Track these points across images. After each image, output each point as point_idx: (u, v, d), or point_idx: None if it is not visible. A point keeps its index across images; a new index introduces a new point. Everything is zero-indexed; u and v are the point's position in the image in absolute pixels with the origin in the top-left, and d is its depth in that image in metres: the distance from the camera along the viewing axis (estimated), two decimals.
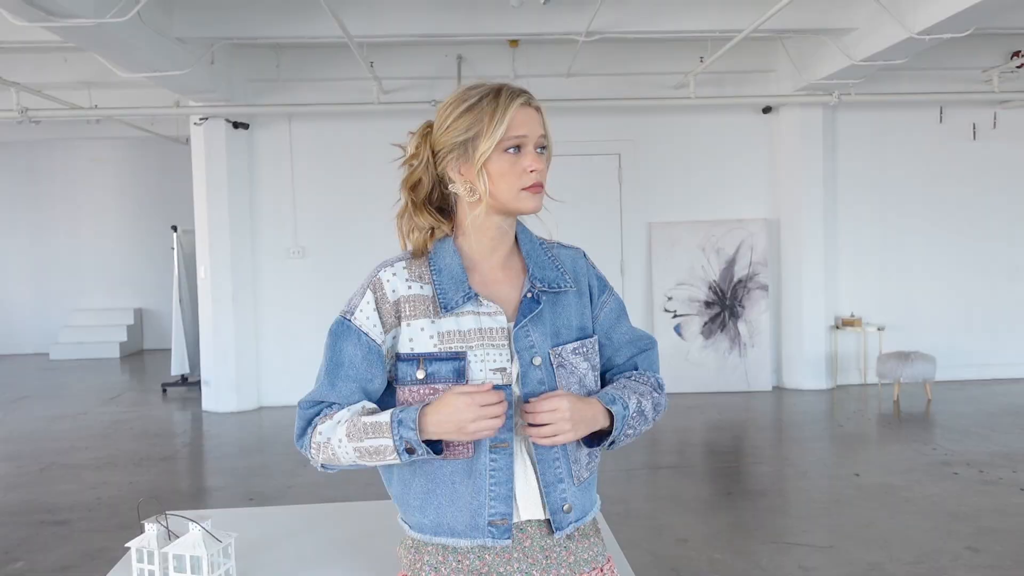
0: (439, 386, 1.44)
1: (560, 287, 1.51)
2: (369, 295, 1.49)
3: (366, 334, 1.47)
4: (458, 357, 1.44)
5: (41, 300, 11.94)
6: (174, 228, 8.76)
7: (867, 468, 5.30)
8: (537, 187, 1.46)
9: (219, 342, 7.48)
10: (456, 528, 1.45)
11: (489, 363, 1.45)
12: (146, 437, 6.62)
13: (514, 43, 7.26)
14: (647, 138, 7.76)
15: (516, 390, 1.47)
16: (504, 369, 1.45)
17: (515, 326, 1.47)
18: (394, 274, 1.48)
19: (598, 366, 1.56)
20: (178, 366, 8.49)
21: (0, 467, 5.98)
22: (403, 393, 1.47)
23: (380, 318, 1.47)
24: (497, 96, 1.45)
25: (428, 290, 1.48)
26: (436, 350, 1.45)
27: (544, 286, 1.51)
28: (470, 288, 1.47)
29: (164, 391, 8.58)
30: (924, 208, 7.94)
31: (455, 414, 1.35)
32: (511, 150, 1.45)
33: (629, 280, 7.83)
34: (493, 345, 1.45)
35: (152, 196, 11.74)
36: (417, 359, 1.45)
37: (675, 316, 7.78)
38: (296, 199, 7.59)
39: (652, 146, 7.77)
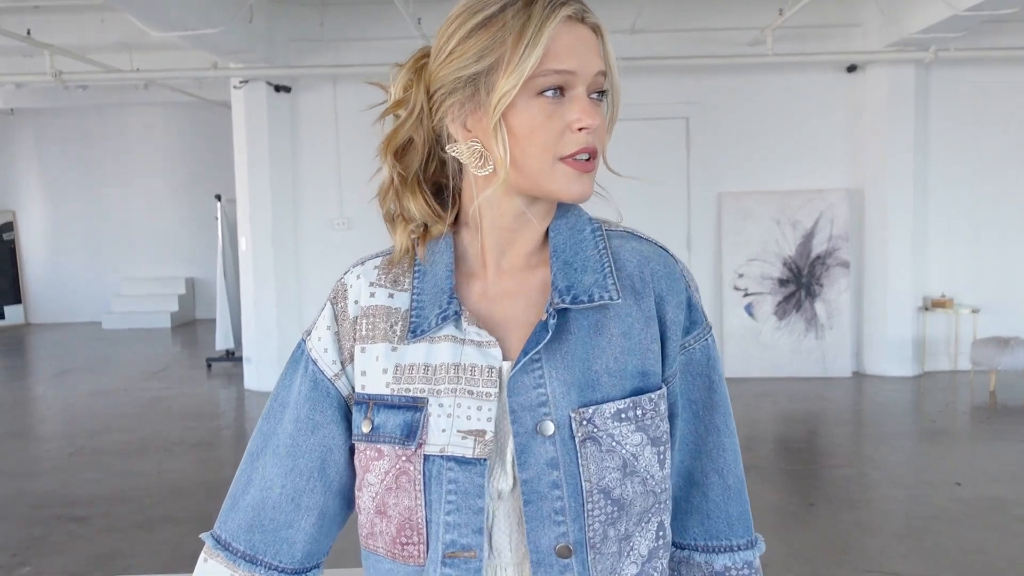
0: (384, 447, 0.95)
1: (593, 299, 0.95)
2: (328, 309, 1.03)
3: (315, 363, 1.01)
4: (414, 406, 0.95)
5: (95, 269, 11.82)
6: (218, 197, 8.44)
7: (968, 475, 4.68)
8: (586, 158, 0.93)
9: (261, 317, 7.14)
10: None
11: (459, 420, 0.93)
12: (183, 418, 6.32)
13: None
14: (718, 101, 7.11)
15: (502, 473, 0.94)
16: (482, 433, 0.93)
17: (515, 366, 0.94)
18: (358, 277, 1.01)
19: (665, 440, 0.98)
20: (222, 340, 8.20)
21: (32, 450, 5.76)
22: (356, 453, 1.00)
23: (338, 342, 1.00)
24: (530, 3, 0.91)
25: (402, 301, 0.99)
26: (388, 392, 0.96)
27: (565, 300, 0.95)
28: (452, 299, 0.96)
29: (209, 366, 8.32)
30: None
31: None
32: (549, 92, 0.91)
33: (696, 255, 7.24)
34: (471, 392, 0.94)
35: (202, 163, 11.47)
36: (366, 403, 0.98)
37: (746, 295, 7.18)
38: (341, 167, 7.16)
39: (723, 109, 7.12)
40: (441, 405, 0.94)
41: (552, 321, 0.94)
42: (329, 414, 1.00)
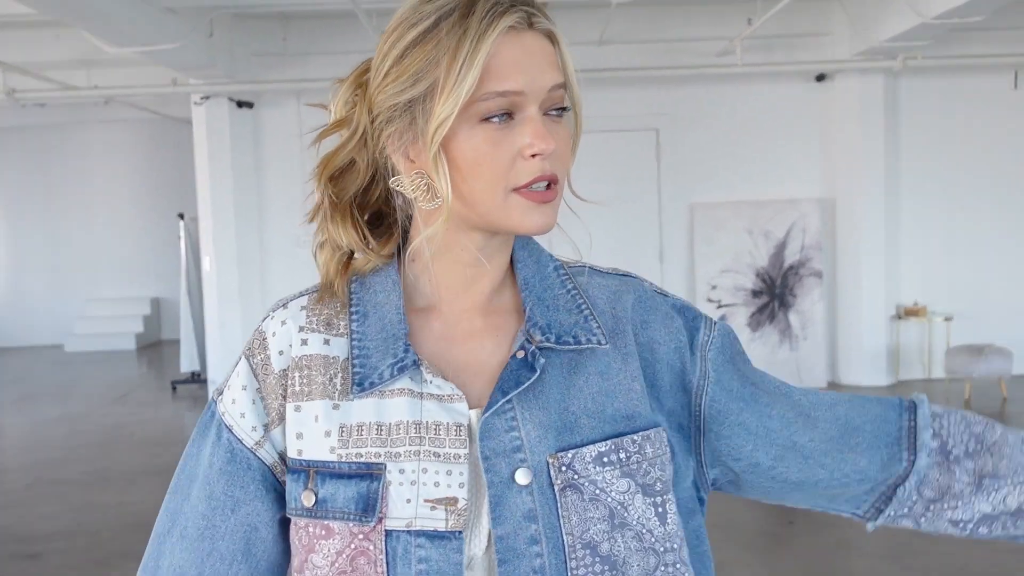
0: (334, 524, 0.82)
1: (579, 341, 0.86)
2: (243, 365, 0.88)
3: (230, 430, 0.86)
4: (370, 474, 0.82)
5: (56, 290, 11.53)
6: (180, 216, 8.25)
7: None
8: (545, 187, 0.81)
9: (226, 339, 6.97)
10: None
11: (425, 488, 0.81)
12: (146, 446, 6.12)
13: None
14: (688, 112, 7.06)
15: (475, 535, 0.83)
16: (453, 501, 0.81)
17: (486, 410, 0.83)
18: (283, 323, 0.87)
19: (661, 489, 0.86)
20: (187, 362, 8.01)
21: None
22: (292, 530, 0.86)
23: (260, 402, 0.86)
24: (468, 13, 0.78)
25: (339, 348, 0.85)
26: (334, 458, 0.83)
27: (550, 339, 0.85)
28: (408, 349, 0.83)
29: (174, 389, 8.10)
30: (997, 185, 7.15)
31: None
32: (496, 118, 0.80)
33: (669, 267, 7.17)
34: (437, 455, 0.82)
35: (165, 181, 11.24)
36: (305, 471, 0.84)
37: (720, 306, 7.11)
38: (307, 184, 6.99)
39: (693, 120, 7.07)
40: (402, 471, 0.81)
41: (540, 361, 0.84)
42: (252, 489, 0.86)
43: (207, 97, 6.77)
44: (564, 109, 0.84)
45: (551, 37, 0.83)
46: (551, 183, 0.82)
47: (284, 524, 0.88)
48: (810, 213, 7.05)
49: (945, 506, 0.96)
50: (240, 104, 6.84)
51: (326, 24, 6.76)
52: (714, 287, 7.10)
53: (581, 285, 0.92)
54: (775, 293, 7.08)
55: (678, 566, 0.86)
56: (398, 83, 0.81)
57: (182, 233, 8.13)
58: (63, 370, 9.72)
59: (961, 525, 0.98)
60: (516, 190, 0.81)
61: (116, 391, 8.30)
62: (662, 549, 0.86)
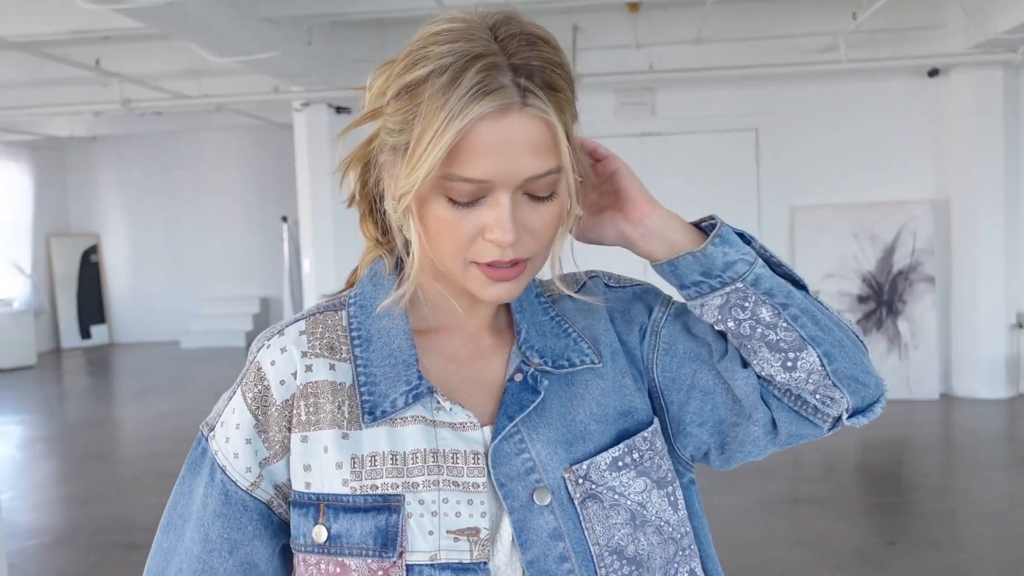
0: (350, 561, 0.79)
1: (574, 364, 0.85)
2: (238, 400, 0.84)
3: (223, 470, 0.83)
4: (387, 506, 0.79)
5: (173, 289, 12.10)
6: (284, 218, 8.52)
7: None
8: (506, 267, 0.78)
9: None
10: None
11: (447, 519, 0.79)
12: None
13: (634, 7, 6.48)
14: (789, 111, 6.81)
15: (502, 565, 0.80)
16: (476, 531, 0.79)
17: (494, 437, 0.81)
18: (283, 350, 0.84)
19: (671, 478, 0.88)
20: None
21: (102, 473, 5.85)
22: (301, 566, 0.83)
23: (259, 439, 0.83)
24: (455, 81, 0.74)
25: (344, 374, 0.82)
26: (347, 491, 0.80)
27: (547, 363, 0.84)
28: (421, 376, 0.81)
29: None
30: None
31: None
32: (459, 203, 0.77)
33: None
34: (457, 484, 0.80)
35: (270, 185, 11.65)
36: (315, 505, 0.81)
37: None
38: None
39: (795, 119, 6.81)
40: (422, 502, 0.79)
41: (544, 383, 0.83)
42: (249, 530, 0.84)
43: (307, 103, 6.96)
44: (548, 196, 0.79)
45: (550, 116, 0.76)
46: (512, 266, 0.79)
47: (285, 551, 0.87)
48: (921, 215, 6.69)
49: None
50: (339, 110, 7.00)
51: (420, 30, 6.84)
52: (816, 292, 6.79)
53: (560, 311, 0.91)
54: (883, 299, 6.75)
55: (693, 547, 0.90)
56: (389, 122, 0.79)
57: (285, 235, 8.40)
58: (178, 365, 10.19)
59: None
60: (476, 263, 0.79)
61: (226, 386, 8.57)
62: (678, 536, 0.88)
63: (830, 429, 0.89)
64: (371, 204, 0.89)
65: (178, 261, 12.11)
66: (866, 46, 6.49)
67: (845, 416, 0.88)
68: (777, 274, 0.87)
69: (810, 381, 0.85)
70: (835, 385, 0.86)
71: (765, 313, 0.84)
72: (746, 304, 0.84)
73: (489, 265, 0.79)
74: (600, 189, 0.88)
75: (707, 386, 0.89)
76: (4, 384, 9.03)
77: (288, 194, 10.96)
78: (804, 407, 0.87)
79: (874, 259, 6.75)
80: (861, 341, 0.89)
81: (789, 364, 0.85)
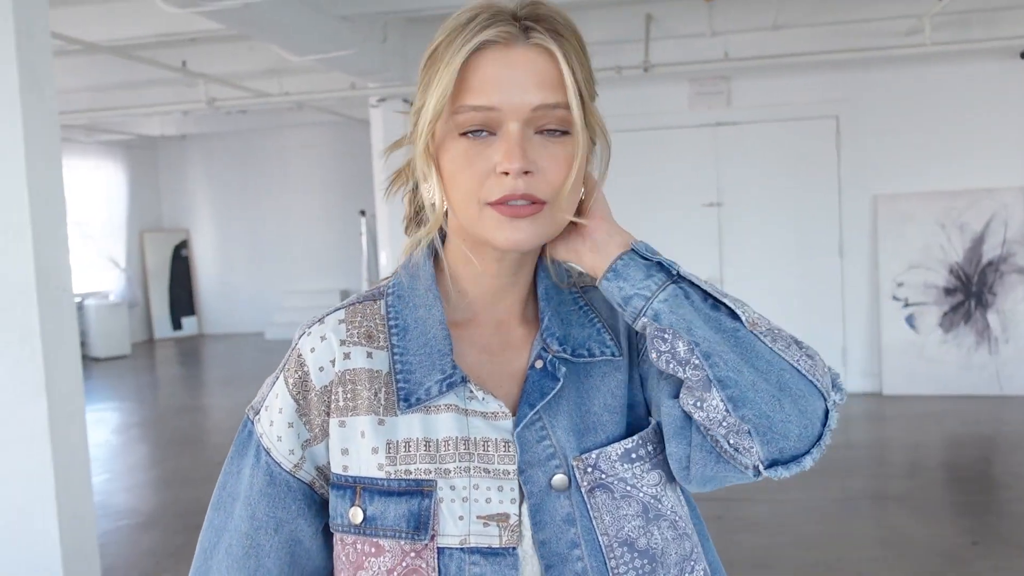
0: (384, 541, 0.82)
1: (593, 354, 0.86)
2: (280, 385, 0.88)
3: (267, 452, 0.87)
4: (420, 491, 0.82)
5: (258, 282, 12.48)
6: (362, 212, 8.69)
7: None
8: (515, 205, 0.79)
9: None
10: None
11: (477, 505, 0.81)
12: None
13: None
14: (870, 97, 6.61)
15: (528, 549, 0.83)
16: (506, 517, 0.81)
17: (517, 424, 0.83)
18: (323, 338, 0.87)
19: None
20: None
21: (189, 458, 6.09)
22: (338, 544, 0.86)
23: (299, 423, 0.86)
24: (466, 24, 0.79)
25: (381, 362, 0.85)
26: (382, 475, 0.83)
27: (566, 351, 0.85)
28: (455, 366, 0.83)
29: None
30: None
31: None
32: (471, 133, 0.79)
33: (849, 263, 6.75)
34: (487, 471, 0.82)
35: (349, 179, 11.89)
36: (351, 487, 0.84)
37: (906, 305, 6.62)
38: None
39: (877, 106, 6.61)
40: (453, 488, 0.82)
41: (561, 370, 0.85)
42: (294, 508, 0.88)
43: (383, 99, 7.08)
44: (558, 131, 0.80)
45: (553, 50, 0.80)
46: (532, 201, 0.80)
47: (327, 530, 0.90)
48: (1013, 203, 6.41)
49: None
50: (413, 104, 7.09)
51: None
52: (900, 284, 6.62)
53: (589, 299, 0.92)
54: (971, 291, 6.50)
55: (701, 543, 0.89)
56: (418, 92, 0.84)
57: (363, 229, 8.57)
58: (263, 356, 10.50)
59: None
60: (490, 204, 0.80)
61: None
62: (690, 531, 0.88)
63: (755, 476, 0.82)
64: (417, 209, 0.94)
65: (262, 255, 12.48)
66: (953, 28, 6.24)
67: (761, 467, 0.80)
68: (713, 300, 0.82)
69: (722, 424, 0.80)
70: (746, 432, 0.79)
71: (681, 348, 0.80)
72: (665, 336, 0.81)
73: (503, 204, 0.79)
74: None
75: (656, 403, 0.89)
76: (100, 373, 9.48)
77: (366, 189, 11.19)
78: (722, 450, 0.82)
79: (962, 249, 6.50)
80: (808, 379, 0.81)
81: (698, 404, 0.81)
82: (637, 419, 0.90)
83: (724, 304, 0.82)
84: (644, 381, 0.91)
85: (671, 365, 0.81)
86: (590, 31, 6.74)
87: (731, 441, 0.80)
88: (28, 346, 2.96)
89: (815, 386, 0.81)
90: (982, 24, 6.32)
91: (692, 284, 0.83)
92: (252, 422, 0.90)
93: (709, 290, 0.83)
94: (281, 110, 9.63)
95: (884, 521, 4.20)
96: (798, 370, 0.81)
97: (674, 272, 0.83)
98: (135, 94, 8.21)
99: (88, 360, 9.74)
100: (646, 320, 0.82)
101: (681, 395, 0.83)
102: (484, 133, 0.80)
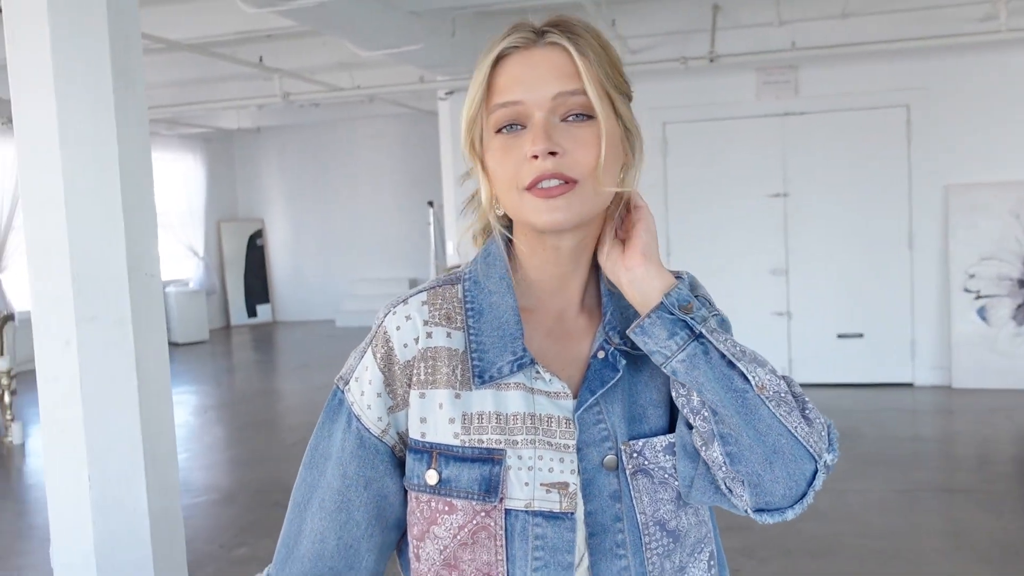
0: (457, 502, 0.92)
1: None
2: (368, 358, 0.97)
3: (358, 419, 0.97)
4: (491, 458, 0.91)
5: (329, 271, 12.80)
6: (430, 203, 8.86)
7: None
8: (544, 187, 0.88)
9: None
10: None
11: (541, 473, 0.91)
12: None
13: None
14: (942, 85, 6.48)
15: (580, 519, 0.93)
16: (566, 486, 0.91)
17: (577, 407, 0.92)
18: (407, 317, 0.96)
19: (703, 465, 0.96)
20: None
21: (264, 439, 6.35)
22: (413, 501, 0.97)
23: (385, 393, 0.96)
24: (494, 43, 0.92)
25: (458, 340, 0.95)
26: (457, 443, 0.92)
27: (625, 344, 0.95)
28: (525, 349, 0.93)
29: None
30: None
31: None
32: (505, 129, 0.90)
33: (920, 254, 6.65)
34: (550, 444, 0.92)
35: (418, 171, 12.10)
36: (429, 452, 0.94)
37: (978, 297, 6.49)
38: None
39: (949, 94, 6.48)
40: (520, 457, 0.92)
41: (622, 362, 0.94)
42: (380, 468, 0.97)
43: (451, 92, 7.22)
44: (581, 116, 0.90)
45: (568, 48, 0.90)
46: (565, 180, 0.88)
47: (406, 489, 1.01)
48: None
49: None
50: None
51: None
52: (972, 276, 6.49)
53: None
54: None
55: (711, 535, 1.01)
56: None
57: (431, 219, 8.74)
58: (334, 343, 10.79)
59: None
60: (527, 189, 0.89)
61: None
62: (707, 519, 0.99)
63: (746, 512, 0.93)
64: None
65: (333, 244, 12.79)
66: None
67: (750, 512, 0.92)
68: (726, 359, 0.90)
69: (721, 469, 0.91)
70: (739, 481, 0.90)
71: (694, 399, 0.91)
72: (683, 387, 0.92)
73: (538, 187, 0.88)
74: (624, 231, 0.96)
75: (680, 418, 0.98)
76: (180, 357, 9.88)
77: (434, 179, 11.38)
78: (719, 487, 0.93)
79: None
80: (802, 444, 0.89)
81: (704, 448, 0.92)
82: (675, 416, 0.97)
83: (738, 368, 0.89)
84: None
85: (685, 410, 0.93)
86: (657, 22, 6.76)
87: (727, 484, 0.91)
88: (120, 330, 3.16)
89: (807, 451, 0.89)
90: None
91: (712, 344, 0.90)
92: (342, 391, 0.98)
93: (726, 351, 0.89)
94: (352, 103, 9.85)
95: (948, 513, 4.18)
96: (794, 435, 0.88)
97: (697, 332, 0.90)
98: (214, 89, 8.52)
99: (169, 345, 10.11)
100: (667, 372, 0.92)
101: (692, 434, 0.93)
102: (516, 127, 0.90)
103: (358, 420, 0.97)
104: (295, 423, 6.66)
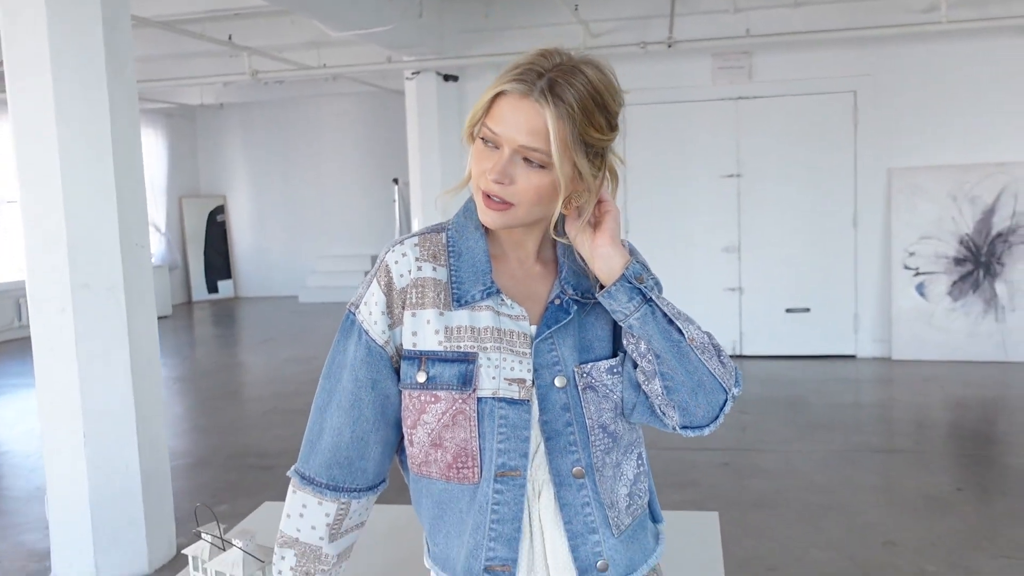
0: (440, 393, 1.19)
1: (594, 297, 1.23)
2: (375, 286, 1.23)
3: (366, 332, 1.22)
4: (466, 359, 1.19)
5: (292, 247, 12.88)
6: (395, 180, 9.03)
7: None
8: (491, 199, 1.15)
9: None
10: (456, 567, 1.23)
11: (504, 371, 1.19)
12: None
13: None
14: (888, 72, 6.84)
15: (535, 425, 1.21)
16: (523, 381, 1.19)
17: (536, 337, 1.20)
18: (404, 254, 1.22)
19: (636, 385, 1.24)
20: None
21: (235, 409, 6.52)
22: (405, 398, 1.23)
23: (388, 312, 1.22)
24: (509, 70, 1.14)
25: (442, 274, 1.21)
26: (441, 348, 1.19)
27: (578, 295, 1.23)
28: (492, 282, 1.20)
29: None
30: None
31: None
32: (483, 141, 1.16)
33: (863, 233, 7.02)
34: (512, 351, 1.19)
35: (382, 149, 12.22)
36: (418, 358, 1.20)
37: (917, 274, 6.89)
38: None
39: (893, 81, 6.84)
40: (489, 359, 1.19)
41: (573, 307, 1.23)
42: (384, 372, 1.23)
43: (417, 72, 7.39)
44: (539, 165, 1.14)
45: (554, 106, 1.11)
46: (499, 201, 1.15)
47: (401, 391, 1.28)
48: (1023, 177, 6.63)
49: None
50: (447, 78, 7.40)
51: (523, 1, 7.15)
52: (912, 254, 6.88)
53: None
54: (980, 261, 6.76)
55: (641, 437, 1.33)
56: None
57: (396, 196, 8.91)
58: (297, 318, 10.93)
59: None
60: (483, 192, 1.17)
61: None
62: (638, 428, 1.31)
63: (672, 431, 1.23)
64: None
65: (296, 221, 12.86)
66: (969, 6, 6.45)
67: (677, 428, 1.21)
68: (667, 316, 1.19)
69: (658, 397, 1.20)
70: (671, 406, 1.19)
71: (642, 346, 1.19)
72: (633, 336, 1.20)
73: (487, 195, 1.16)
74: (595, 216, 1.23)
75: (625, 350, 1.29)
76: None
77: (399, 157, 11.54)
78: (655, 411, 1.23)
79: (972, 221, 6.75)
80: (718, 380, 1.19)
81: (647, 382, 1.21)
82: (619, 345, 1.25)
83: (675, 324, 1.18)
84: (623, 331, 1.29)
85: (635, 354, 1.20)
86: (618, 8, 7.00)
87: (661, 408, 1.21)
88: (113, 297, 3.34)
89: (721, 385, 1.19)
90: (997, 2, 6.51)
91: (658, 306, 1.19)
92: (354, 313, 1.24)
93: (667, 312, 1.18)
94: (317, 80, 9.95)
95: (883, 471, 4.53)
96: (713, 374, 1.19)
97: (648, 297, 1.18)
98: (180, 65, 8.57)
99: None
100: (624, 326, 1.22)
101: (636, 372, 1.22)
102: (492, 145, 1.16)
103: (367, 334, 1.22)
104: (264, 394, 6.84)
